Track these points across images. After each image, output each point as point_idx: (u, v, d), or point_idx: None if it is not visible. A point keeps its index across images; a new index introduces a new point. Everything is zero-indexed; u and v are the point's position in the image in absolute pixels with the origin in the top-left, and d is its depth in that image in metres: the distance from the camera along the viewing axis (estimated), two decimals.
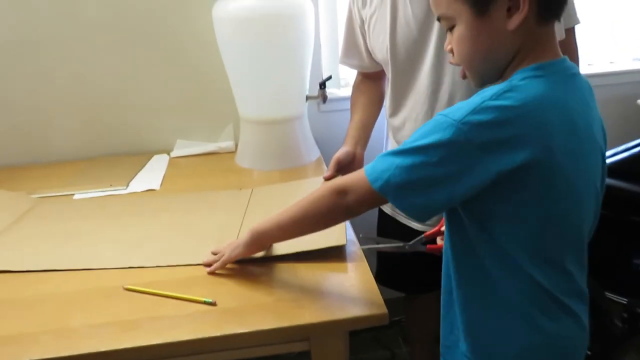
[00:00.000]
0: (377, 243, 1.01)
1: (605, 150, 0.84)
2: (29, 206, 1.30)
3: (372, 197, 0.79)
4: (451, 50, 0.81)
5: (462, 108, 0.71)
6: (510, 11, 0.72)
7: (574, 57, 1.16)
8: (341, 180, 0.84)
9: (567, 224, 0.78)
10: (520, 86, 0.72)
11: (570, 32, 1.14)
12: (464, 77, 0.83)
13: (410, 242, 1.01)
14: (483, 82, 0.80)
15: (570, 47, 1.15)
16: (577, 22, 1.16)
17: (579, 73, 0.79)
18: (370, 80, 1.41)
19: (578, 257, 0.82)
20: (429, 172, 0.72)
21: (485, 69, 0.78)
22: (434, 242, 1.05)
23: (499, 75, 0.78)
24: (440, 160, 0.71)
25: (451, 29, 0.79)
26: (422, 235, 1.02)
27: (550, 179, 0.73)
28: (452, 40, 0.79)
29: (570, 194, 0.76)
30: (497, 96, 0.71)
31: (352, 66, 1.41)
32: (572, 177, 0.75)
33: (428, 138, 0.72)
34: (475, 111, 0.70)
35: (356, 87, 1.44)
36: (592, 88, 0.82)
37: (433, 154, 0.71)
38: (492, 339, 0.83)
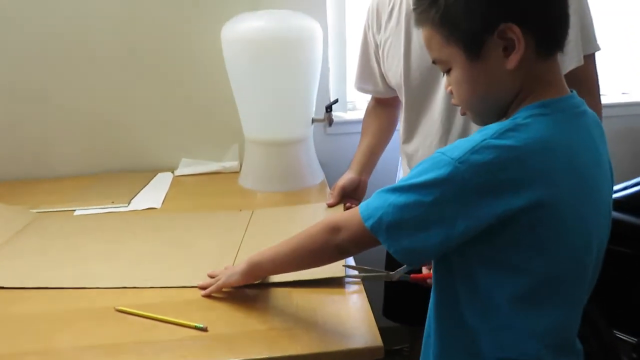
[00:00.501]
0: (361, 272, 0.98)
1: (612, 194, 0.79)
2: (28, 221, 1.29)
3: (364, 236, 0.75)
4: (451, 92, 0.78)
5: (461, 146, 0.68)
6: (507, 51, 0.69)
7: (593, 86, 1.12)
8: (336, 217, 0.82)
9: (564, 274, 0.73)
10: (524, 125, 0.68)
11: (589, 59, 1.10)
12: (464, 114, 0.80)
13: (394, 272, 0.98)
14: (484, 122, 0.76)
15: (589, 75, 1.11)
16: (597, 48, 1.11)
17: (586, 110, 0.75)
18: (384, 106, 1.40)
19: (570, 305, 0.77)
20: (422, 212, 0.68)
21: (485, 110, 0.75)
22: (420, 271, 1.02)
23: (501, 114, 0.74)
24: (434, 200, 0.67)
25: (448, 71, 0.75)
26: (405, 266, 1.00)
27: (550, 225, 0.68)
28: (451, 81, 0.76)
29: (569, 242, 0.71)
30: (499, 134, 0.67)
31: (366, 91, 1.40)
32: (573, 224, 0.70)
33: (424, 176, 0.68)
34: (474, 150, 0.66)
35: (369, 112, 1.43)
36: (602, 126, 0.78)
37: (427, 193, 0.68)
38: None
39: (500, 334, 0.75)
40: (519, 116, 0.70)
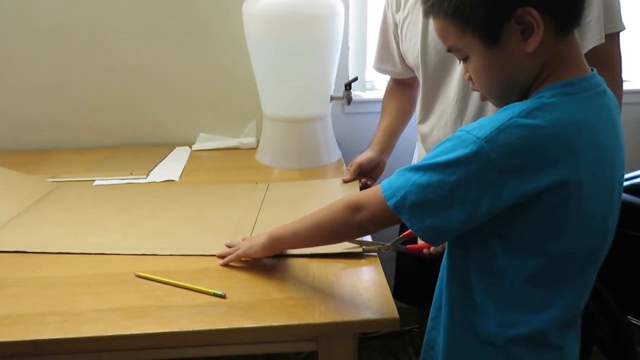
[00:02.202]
0: (358, 243, 0.99)
1: (624, 174, 0.78)
2: (47, 190, 1.31)
3: (386, 215, 0.75)
4: (469, 78, 0.76)
5: (487, 125, 0.66)
6: (525, 34, 0.67)
7: (615, 67, 1.09)
8: (357, 195, 0.82)
9: (580, 254, 0.74)
10: (550, 104, 0.67)
11: (612, 39, 1.07)
12: (484, 100, 0.79)
13: (389, 243, 0.98)
14: (506, 104, 0.74)
15: (611, 54, 1.08)
16: (622, 28, 1.08)
17: (606, 90, 0.74)
18: (403, 86, 1.39)
19: (583, 283, 0.78)
20: (446, 192, 0.68)
21: (506, 94, 0.73)
22: (415, 241, 1.02)
23: (522, 96, 0.73)
24: (459, 180, 0.67)
25: (465, 59, 0.74)
26: (401, 236, 1.00)
27: (571, 205, 0.68)
28: (470, 69, 0.74)
29: (587, 221, 0.71)
30: (526, 114, 0.66)
31: (385, 72, 1.40)
32: (592, 203, 0.70)
33: (448, 155, 0.68)
34: (501, 129, 0.65)
35: (388, 93, 1.43)
36: (619, 105, 0.78)
37: (452, 172, 0.67)
38: None
39: (509, 311, 0.76)
40: (544, 95, 0.69)
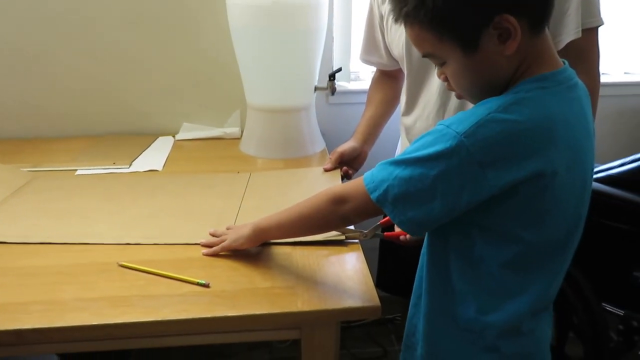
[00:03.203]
0: (337, 232, 1.00)
1: (593, 164, 0.81)
2: (24, 180, 1.29)
3: (369, 207, 0.77)
4: (445, 79, 0.77)
5: (466, 119, 0.68)
6: (502, 37, 0.68)
7: (593, 61, 1.11)
8: (341, 188, 0.83)
9: (555, 242, 0.76)
10: (526, 99, 0.69)
11: (590, 34, 1.09)
12: (460, 98, 0.81)
13: (367, 230, 1.00)
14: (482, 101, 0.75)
15: (590, 49, 1.10)
16: (600, 23, 1.09)
17: (578, 82, 0.76)
18: (388, 77, 1.40)
19: (556, 269, 0.80)
20: (428, 185, 0.69)
21: (485, 94, 0.74)
22: (393, 229, 1.04)
23: (499, 93, 0.74)
24: (440, 173, 0.69)
25: (442, 64, 0.74)
26: (379, 223, 1.02)
27: (547, 196, 0.71)
28: (446, 73, 0.75)
29: (562, 210, 0.74)
30: (504, 108, 0.67)
31: (371, 63, 1.41)
32: (566, 194, 0.73)
33: (429, 149, 0.69)
34: (479, 124, 0.67)
35: (374, 83, 1.44)
36: (589, 97, 0.79)
37: (433, 166, 0.69)
38: (448, 351, 0.83)
39: (487, 298, 0.78)
40: (520, 90, 0.70)
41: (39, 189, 1.26)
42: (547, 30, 0.73)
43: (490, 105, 0.69)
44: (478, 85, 0.74)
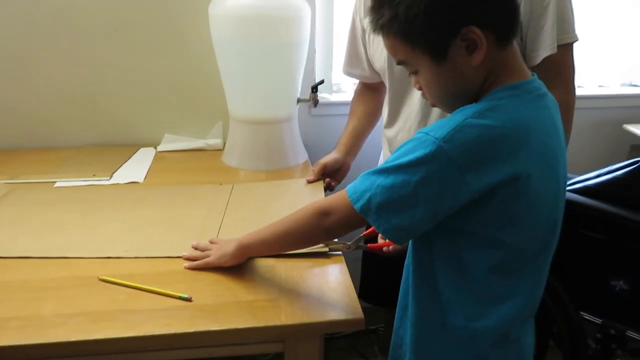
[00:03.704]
0: (323, 244, 1.01)
1: (566, 173, 0.84)
2: (1, 193, 1.27)
3: (353, 218, 0.78)
4: (420, 88, 0.80)
5: (444, 126, 0.71)
6: (470, 48, 0.72)
7: (568, 76, 1.14)
8: (324, 201, 0.85)
9: (535, 244, 0.79)
10: (499, 105, 0.72)
11: (566, 49, 1.12)
12: (434, 106, 0.84)
13: (350, 242, 1.01)
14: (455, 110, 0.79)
15: (565, 64, 1.13)
16: (574, 39, 1.13)
17: (547, 93, 0.80)
18: (371, 90, 1.42)
19: (538, 273, 0.83)
20: (410, 192, 0.71)
21: (456, 103, 0.77)
22: (376, 240, 1.05)
23: (471, 102, 0.77)
24: (421, 179, 0.70)
25: (415, 72, 0.78)
26: (362, 235, 1.03)
27: (523, 198, 0.73)
28: (420, 82, 0.79)
29: (538, 213, 0.76)
30: (479, 114, 0.71)
31: (354, 76, 1.42)
32: (541, 197, 0.75)
33: (410, 155, 0.71)
34: (457, 129, 0.69)
35: (356, 96, 1.45)
36: (558, 107, 0.83)
37: (414, 172, 0.71)
38: (437, 356, 0.84)
39: (474, 304, 0.80)
40: (493, 97, 0.74)
41: (17, 202, 1.23)
42: (514, 43, 0.76)
43: (466, 112, 0.72)
44: (449, 94, 0.77)
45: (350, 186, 0.79)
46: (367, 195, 0.75)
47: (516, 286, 0.79)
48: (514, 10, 0.75)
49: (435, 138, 0.69)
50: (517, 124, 0.71)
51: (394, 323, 0.92)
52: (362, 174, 0.78)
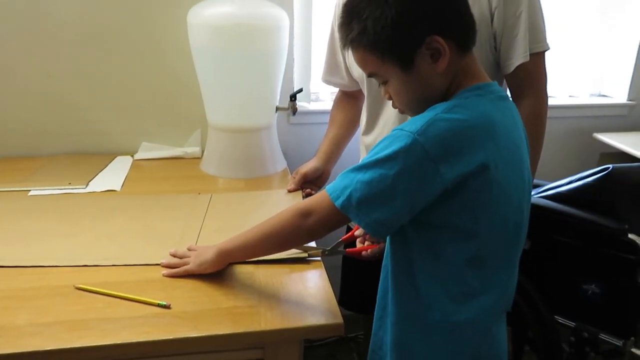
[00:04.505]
0: (300, 249, 1.01)
1: (530, 174, 0.89)
2: None
3: (334, 216, 0.81)
4: (390, 98, 0.85)
5: (417, 121, 0.75)
6: (434, 57, 0.77)
7: (540, 84, 1.18)
8: (305, 202, 0.86)
9: (506, 234, 0.82)
10: (466, 102, 0.77)
11: (538, 58, 1.16)
12: (402, 113, 0.87)
13: (329, 247, 1.02)
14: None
15: (537, 72, 1.17)
16: (546, 48, 1.17)
17: (507, 96, 0.85)
18: (351, 98, 1.43)
19: (510, 266, 0.87)
20: (388, 185, 0.74)
21: (424, 108, 0.81)
22: (354, 245, 1.06)
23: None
24: (398, 172, 0.74)
25: (384, 82, 0.83)
26: (340, 240, 1.04)
27: (492, 188, 0.77)
28: (389, 91, 0.83)
29: (507, 203, 0.80)
30: (449, 110, 0.75)
31: (333, 84, 1.44)
32: (509, 188, 0.80)
33: (386, 150, 0.75)
34: (429, 123, 0.73)
35: (336, 104, 1.47)
36: (518, 111, 0.88)
37: (391, 166, 0.74)
38: (419, 353, 0.85)
39: (452, 298, 0.82)
40: (460, 97, 0.79)
41: None
42: (473, 50, 0.82)
43: (437, 109, 0.76)
44: (416, 100, 0.81)
45: (330, 186, 0.81)
46: (347, 192, 0.77)
47: (492, 277, 0.82)
48: (470, 19, 0.81)
49: (410, 132, 0.73)
50: (483, 117, 0.77)
51: (373, 325, 0.93)
52: (341, 173, 0.81)
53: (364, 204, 0.76)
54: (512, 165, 0.80)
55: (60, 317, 0.84)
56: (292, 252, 1.00)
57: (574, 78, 1.94)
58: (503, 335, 0.90)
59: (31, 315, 0.84)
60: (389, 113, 1.24)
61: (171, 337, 0.80)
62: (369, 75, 0.84)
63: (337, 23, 0.88)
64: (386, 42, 0.77)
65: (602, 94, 2.01)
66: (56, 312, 0.85)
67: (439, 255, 0.80)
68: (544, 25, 1.17)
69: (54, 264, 0.98)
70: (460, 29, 0.79)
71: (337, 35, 1.34)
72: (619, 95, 1.96)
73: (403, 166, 0.73)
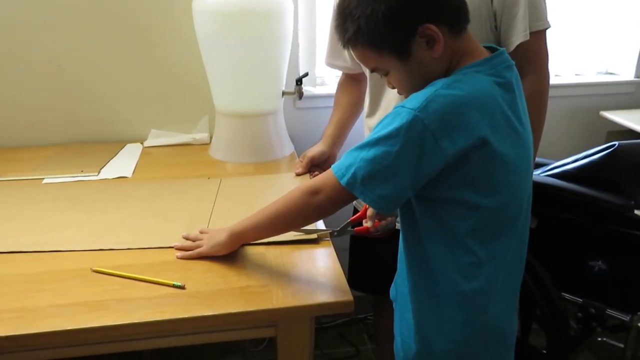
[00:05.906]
0: (307, 231, 1.03)
1: (532, 148, 0.90)
2: None
3: (341, 194, 0.83)
4: (393, 87, 0.87)
5: (417, 97, 0.77)
6: (429, 43, 0.79)
7: (542, 62, 1.18)
8: (312, 181, 0.88)
9: (509, 207, 0.83)
10: (465, 78, 0.79)
11: (538, 35, 1.16)
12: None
13: (338, 228, 1.04)
14: None
15: (538, 51, 1.17)
16: (547, 25, 1.17)
17: (512, 66, 0.85)
18: (354, 81, 1.44)
19: (514, 238, 0.87)
20: (391, 161, 0.76)
21: None
22: (361, 224, 1.08)
23: None
24: (400, 148, 0.75)
25: (386, 74, 0.85)
26: (349, 220, 1.06)
27: (494, 162, 0.78)
28: (392, 81, 0.86)
29: (509, 177, 0.82)
30: (447, 86, 0.77)
31: (336, 67, 1.44)
32: (510, 162, 0.81)
33: (388, 127, 0.77)
34: (429, 99, 0.75)
35: (340, 87, 1.48)
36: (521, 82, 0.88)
37: (394, 143, 0.76)
38: (433, 325, 0.87)
39: (460, 269, 0.83)
40: (458, 73, 0.80)
41: (5, 199, 1.24)
42: (468, 29, 0.83)
43: (436, 85, 0.78)
44: (418, 86, 0.82)
45: (335, 164, 0.83)
46: (352, 170, 0.79)
47: (495, 250, 0.84)
48: (459, 1, 0.82)
49: (411, 109, 0.75)
50: (481, 92, 0.78)
51: (394, 319, 0.95)
52: (346, 152, 0.83)
53: (368, 180, 0.78)
54: (514, 137, 0.82)
55: (78, 298, 0.86)
56: (302, 234, 1.02)
57: (581, 56, 1.93)
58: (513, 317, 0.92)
59: (51, 298, 0.87)
60: (391, 95, 1.24)
61: (186, 316, 0.82)
62: (372, 71, 0.86)
63: (333, 24, 0.89)
64: (381, 37, 0.79)
65: (609, 71, 2.00)
66: (74, 294, 0.88)
67: (445, 228, 0.82)
68: (545, 3, 1.17)
69: (71, 249, 1.01)
70: (451, 11, 0.81)
71: None
72: (626, 72, 1.94)
73: (405, 142, 0.75)
